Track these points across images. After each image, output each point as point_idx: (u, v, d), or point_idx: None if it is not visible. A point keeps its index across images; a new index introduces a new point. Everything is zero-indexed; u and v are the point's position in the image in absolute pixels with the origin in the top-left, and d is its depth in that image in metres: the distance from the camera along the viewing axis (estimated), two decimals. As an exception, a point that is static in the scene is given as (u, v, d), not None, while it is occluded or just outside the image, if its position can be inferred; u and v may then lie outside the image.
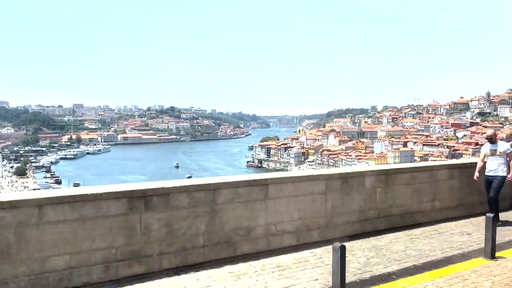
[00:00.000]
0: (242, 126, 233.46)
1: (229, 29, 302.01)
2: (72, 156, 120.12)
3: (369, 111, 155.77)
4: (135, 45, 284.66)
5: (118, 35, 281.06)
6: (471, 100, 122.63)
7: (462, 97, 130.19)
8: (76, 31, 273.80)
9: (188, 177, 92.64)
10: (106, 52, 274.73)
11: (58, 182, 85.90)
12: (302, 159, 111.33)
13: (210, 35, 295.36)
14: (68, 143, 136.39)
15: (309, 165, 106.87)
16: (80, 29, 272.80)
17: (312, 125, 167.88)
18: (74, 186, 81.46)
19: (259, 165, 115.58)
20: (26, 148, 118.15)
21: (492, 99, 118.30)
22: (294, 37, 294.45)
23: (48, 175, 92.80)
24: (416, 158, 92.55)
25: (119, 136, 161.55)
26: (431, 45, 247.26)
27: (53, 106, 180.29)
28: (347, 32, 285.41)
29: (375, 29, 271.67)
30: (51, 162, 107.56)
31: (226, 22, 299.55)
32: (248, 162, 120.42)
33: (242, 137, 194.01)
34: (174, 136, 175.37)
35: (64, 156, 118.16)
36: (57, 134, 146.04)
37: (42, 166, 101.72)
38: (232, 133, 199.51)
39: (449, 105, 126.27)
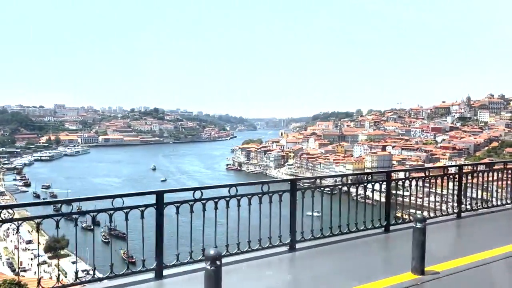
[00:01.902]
0: (228, 128, 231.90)
1: (217, 31, 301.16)
2: (48, 158, 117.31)
3: (354, 114, 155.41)
4: (124, 46, 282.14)
5: (109, 36, 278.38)
6: (452, 105, 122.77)
7: (443, 102, 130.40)
8: (67, 31, 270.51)
9: (163, 181, 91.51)
10: (91, 52, 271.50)
11: (27, 184, 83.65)
12: (282, 162, 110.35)
13: (199, 38, 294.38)
14: (46, 145, 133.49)
15: (289, 168, 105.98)
16: (71, 29, 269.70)
17: (298, 128, 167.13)
18: (42, 188, 79.51)
19: (239, 168, 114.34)
20: (0, 149, 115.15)
21: (473, 104, 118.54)
22: (283, 40, 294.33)
23: (19, 177, 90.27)
24: (394, 162, 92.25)
25: (100, 138, 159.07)
26: (419, 48, 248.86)
27: (34, 107, 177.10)
28: (336, 35, 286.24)
29: (365, 33, 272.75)
30: (24, 164, 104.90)
31: (214, 24, 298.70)
32: (227, 165, 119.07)
33: (227, 139, 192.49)
34: (157, 138, 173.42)
35: (39, 158, 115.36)
36: (35, 135, 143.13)
37: (14, 168, 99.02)
38: (216, 135, 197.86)
39: (431, 110, 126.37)
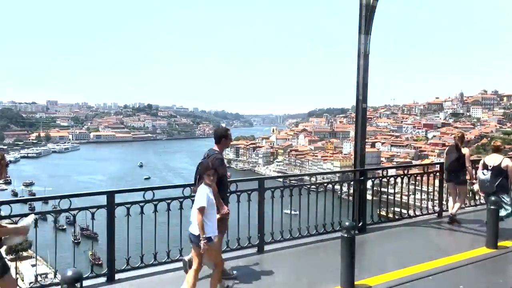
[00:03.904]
0: (224, 125, 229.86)
1: (216, 28, 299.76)
2: (35, 155, 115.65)
3: (349, 110, 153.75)
4: (122, 43, 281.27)
5: (106, 33, 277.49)
6: (445, 101, 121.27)
7: (437, 98, 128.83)
8: (64, 28, 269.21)
9: (146, 178, 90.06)
10: (89, 48, 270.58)
11: (8, 182, 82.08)
12: (271, 159, 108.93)
13: (197, 35, 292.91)
14: (35, 141, 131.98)
15: (277, 165, 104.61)
16: (69, 26, 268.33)
17: (293, 125, 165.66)
18: (23, 185, 78.33)
19: (228, 165, 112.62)
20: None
21: (466, 100, 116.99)
22: (281, 36, 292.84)
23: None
24: (382, 159, 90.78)
25: (92, 134, 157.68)
26: (416, 44, 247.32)
27: (26, 103, 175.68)
28: (332, 29, 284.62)
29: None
30: (10, 161, 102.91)
31: (212, 21, 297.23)
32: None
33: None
34: (149, 135, 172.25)
35: (26, 155, 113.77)
36: (26, 132, 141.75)
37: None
38: (210, 132, 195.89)
39: (424, 106, 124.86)
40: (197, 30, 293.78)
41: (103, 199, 6.01)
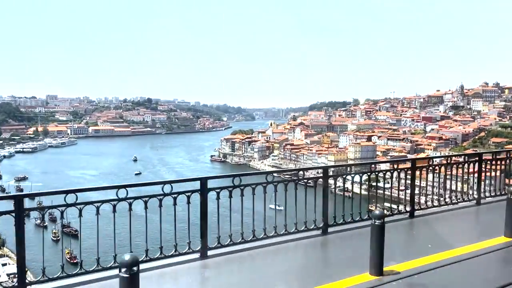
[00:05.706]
0: (225, 119, 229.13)
1: (218, 22, 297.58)
2: (30, 150, 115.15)
3: (350, 104, 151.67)
4: (124, 37, 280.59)
5: (109, 28, 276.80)
6: (445, 94, 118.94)
7: (438, 90, 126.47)
8: (68, 23, 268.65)
9: (137, 174, 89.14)
10: (91, 42, 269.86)
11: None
12: (267, 153, 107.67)
13: (199, 28, 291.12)
14: (32, 136, 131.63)
15: (273, 159, 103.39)
16: (73, 22, 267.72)
17: (291, 118, 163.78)
18: (15, 179, 78.12)
19: (223, 159, 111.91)
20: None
21: (466, 93, 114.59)
22: (283, 29, 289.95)
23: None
24: (378, 153, 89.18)
25: (90, 129, 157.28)
26: (418, 37, 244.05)
27: (26, 97, 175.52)
28: (335, 26, 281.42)
29: (364, 23, 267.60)
30: (4, 156, 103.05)
31: (213, 14, 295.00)
32: (212, 156, 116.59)
33: (222, 130, 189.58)
34: (149, 129, 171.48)
35: (21, 150, 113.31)
36: (23, 126, 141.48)
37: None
38: (211, 126, 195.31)
39: (424, 99, 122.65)
40: (199, 24, 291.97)
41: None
